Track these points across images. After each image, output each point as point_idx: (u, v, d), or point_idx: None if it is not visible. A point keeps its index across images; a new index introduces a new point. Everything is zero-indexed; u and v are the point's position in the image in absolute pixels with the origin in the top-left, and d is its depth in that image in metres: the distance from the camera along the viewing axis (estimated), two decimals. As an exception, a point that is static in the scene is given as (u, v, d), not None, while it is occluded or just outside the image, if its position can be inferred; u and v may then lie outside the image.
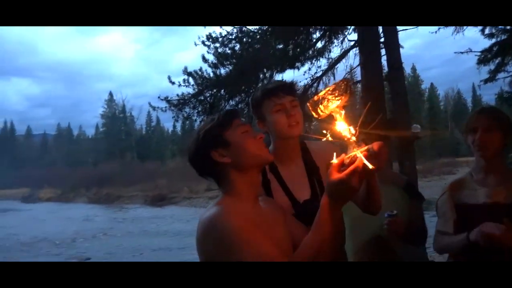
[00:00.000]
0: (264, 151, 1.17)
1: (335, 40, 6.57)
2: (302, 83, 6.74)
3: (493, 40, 7.41)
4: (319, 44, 6.60)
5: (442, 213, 1.69)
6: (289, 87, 1.43)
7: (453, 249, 1.64)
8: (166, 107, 6.74)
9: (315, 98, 1.08)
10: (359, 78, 7.95)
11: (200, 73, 6.69)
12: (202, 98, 6.79)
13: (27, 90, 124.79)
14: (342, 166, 0.99)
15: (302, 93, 6.03)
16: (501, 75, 7.90)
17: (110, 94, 54.83)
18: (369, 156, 0.97)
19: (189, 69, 6.72)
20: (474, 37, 7.50)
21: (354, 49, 6.55)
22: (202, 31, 6.57)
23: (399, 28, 5.78)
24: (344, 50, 6.73)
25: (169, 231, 15.80)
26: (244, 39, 6.42)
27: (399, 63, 5.80)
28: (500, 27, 6.91)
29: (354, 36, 6.42)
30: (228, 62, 6.63)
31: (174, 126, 55.40)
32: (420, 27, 6.22)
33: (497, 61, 7.65)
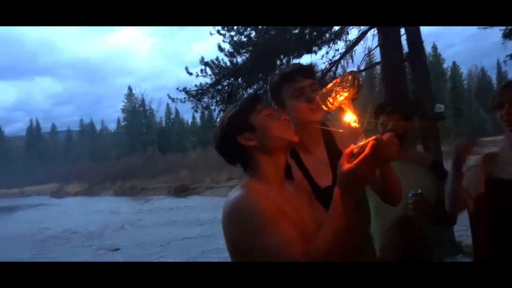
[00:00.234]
0: (289, 132, 1.17)
1: (352, 22, 6.42)
2: (320, 68, 6.65)
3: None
4: (336, 27, 6.48)
5: (467, 185, 1.65)
6: (308, 69, 1.38)
7: (449, 187, 1.66)
8: (185, 98, 6.80)
9: (324, 90, 1.08)
10: (377, 60, 7.83)
11: (216, 62, 6.69)
12: (220, 87, 6.80)
13: (50, 88, 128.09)
14: (351, 156, 0.99)
15: (320, 77, 5.96)
16: (528, 49, 7.57)
17: (129, 88, 55.64)
18: (378, 145, 0.96)
19: (206, 59, 6.74)
20: (498, 10, 7.18)
21: (372, 30, 6.40)
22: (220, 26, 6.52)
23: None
24: (362, 32, 6.59)
25: (193, 220, 16.08)
26: (260, 26, 6.36)
27: (420, 42, 5.64)
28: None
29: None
30: (244, 50, 6.60)
31: (194, 118, 55.87)
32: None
33: (524, 34, 7.34)
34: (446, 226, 1.96)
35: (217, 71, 6.59)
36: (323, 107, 1.09)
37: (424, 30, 5.67)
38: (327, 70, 6.57)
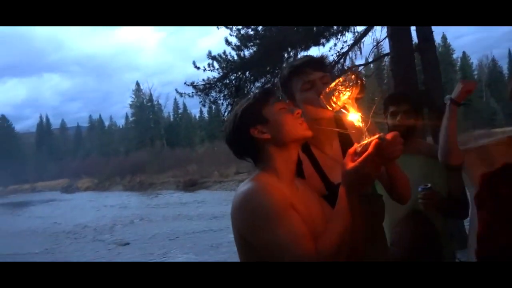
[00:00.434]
0: (302, 126, 1.16)
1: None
2: (328, 59, 6.59)
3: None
4: (344, 18, 6.40)
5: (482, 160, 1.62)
6: (318, 62, 1.33)
7: (445, 130, 1.69)
8: (192, 92, 6.80)
9: (327, 90, 1.08)
10: (386, 51, 7.73)
11: (224, 56, 6.67)
12: (228, 81, 6.78)
13: (58, 85, 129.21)
14: (355, 155, 1.00)
15: (329, 69, 5.90)
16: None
17: (137, 84, 55.85)
18: (381, 143, 0.96)
19: (213, 53, 6.72)
20: (510, -2, 7.02)
21: (381, 20, 6.32)
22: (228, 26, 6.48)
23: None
24: (370, 23, 6.50)
25: (202, 214, 16.18)
26: (261, 26, 6.32)
27: (430, 32, 5.54)
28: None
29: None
30: (252, 43, 6.57)
31: (201, 112, 55.95)
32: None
33: (536, 22, 7.15)
34: (459, 217, 1.93)
35: (224, 65, 6.57)
36: (328, 107, 1.08)
37: (433, 20, 5.56)
38: (336, 62, 6.51)
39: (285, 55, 6.61)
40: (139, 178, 34.92)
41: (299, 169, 1.32)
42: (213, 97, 6.82)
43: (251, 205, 1.05)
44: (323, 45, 6.43)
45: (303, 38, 6.17)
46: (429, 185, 1.76)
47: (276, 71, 6.81)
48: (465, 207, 1.87)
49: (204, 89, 6.67)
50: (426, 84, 5.50)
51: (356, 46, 6.75)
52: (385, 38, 6.11)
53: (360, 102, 1.13)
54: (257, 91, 1.23)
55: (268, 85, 6.84)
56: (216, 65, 6.60)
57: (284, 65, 6.86)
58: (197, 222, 14.71)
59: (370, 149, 0.97)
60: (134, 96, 55.32)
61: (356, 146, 1.02)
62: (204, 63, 6.71)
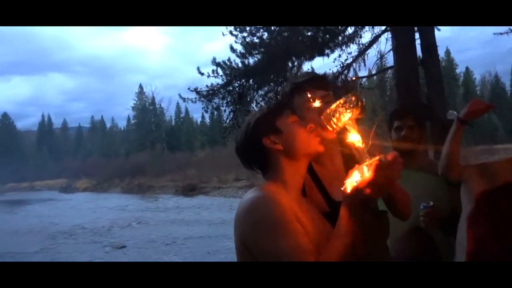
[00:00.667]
0: (315, 140, 1.16)
1: (366, 26, 6.38)
2: (332, 70, 6.61)
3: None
4: (350, 30, 6.43)
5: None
6: (322, 80, 1.32)
7: (448, 145, 1.69)
8: (196, 98, 6.81)
9: (328, 111, 1.09)
10: (390, 64, 7.76)
11: (228, 63, 6.69)
12: (231, 88, 6.80)
13: (62, 85, 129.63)
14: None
15: (332, 80, 5.92)
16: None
17: (140, 86, 56.02)
18: (382, 165, 0.98)
19: (218, 60, 6.74)
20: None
21: (386, 33, 6.35)
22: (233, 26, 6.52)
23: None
24: (375, 35, 6.53)
25: (200, 220, 16.12)
26: (272, 27, 6.34)
27: (434, 46, 5.56)
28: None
29: (385, 20, 6.22)
30: (256, 51, 6.59)
31: (203, 117, 56.03)
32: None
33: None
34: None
35: (228, 72, 6.59)
36: (328, 127, 1.09)
37: (438, 34, 5.62)
38: (339, 73, 6.52)
39: (289, 64, 6.63)
40: (138, 180, 34.87)
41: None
42: (216, 103, 6.83)
43: (256, 213, 1.05)
44: (328, 55, 6.46)
45: (308, 48, 6.19)
46: (431, 202, 1.74)
47: (280, 80, 6.83)
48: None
49: (207, 95, 6.69)
50: (429, 98, 5.50)
51: (360, 58, 6.77)
52: (390, 51, 6.14)
53: (364, 112, 1.14)
54: (272, 102, 1.23)
55: (271, 94, 6.86)
56: (220, 71, 6.63)
57: (287, 75, 6.90)
58: (195, 227, 14.65)
59: (371, 171, 0.98)
60: (136, 99, 55.46)
61: (358, 168, 1.03)
62: (208, 68, 6.74)
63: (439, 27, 6.18)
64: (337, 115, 1.08)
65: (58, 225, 17.46)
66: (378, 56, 7.25)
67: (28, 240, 14.39)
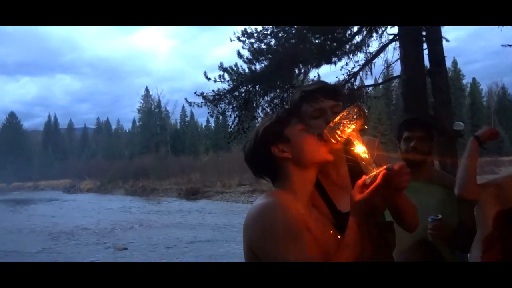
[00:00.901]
0: (324, 149, 1.16)
1: (374, 34, 6.38)
2: (338, 78, 6.61)
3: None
4: (357, 38, 6.44)
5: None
6: (331, 89, 1.29)
7: (465, 164, 1.70)
8: (201, 102, 6.83)
9: (331, 124, 1.09)
10: (396, 73, 7.74)
11: (235, 68, 6.71)
12: (237, 94, 6.81)
13: (69, 86, 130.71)
14: (363, 186, 1.02)
15: (342, 90, 5.90)
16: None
17: (146, 89, 56.40)
18: (389, 174, 0.98)
19: (225, 65, 6.76)
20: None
21: (394, 43, 6.34)
22: (238, 26, 6.57)
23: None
24: (383, 44, 6.53)
25: (202, 224, 16.10)
26: (280, 34, 6.36)
27: (442, 57, 5.55)
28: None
29: (393, 30, 6.22)
30: (264, 58, 6.61)
31: (208, 121, 56.20)
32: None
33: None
34: (465, 253, 1.87)
35: (235, 77, 6.61)
36: (332, 140, 1.10)
37: (445, 45, 5.61)
38: (346, 81, 6.52)
39: (296, 71, 6.64)
40: (142, 183, 34.94)
41: None
42: (221, 108, 6.84)
43: (266, 220, 1.04)
44: (335, 63, 6.46)
45: (315, 56, 6.20)
46: (440, 216, 1.72)
47: (286, 87, 6.83)
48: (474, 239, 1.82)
49: (213, 100, 6.70)
50: (435, 109, 5.47)
51: (367, 67, 6.76)
52: (397, 60, 6.13)
53: (367, 123, 1.15)
54: (280, 110, 1.23)
55: (277, 100, 6.86)
56: (227, 76, 6.65)
57: (294, 82, 6.91)
58: (197, 231, 14.62)
59: (378, 180, 0.98)
60: (142, 101, 55.81)
61: (365, 178, 1.03)
62: (215, 73, 6.76)
63: (448, 37, 6.17)
64: (341, 127, 1.08)
65: (61, 225, 17.50)
66: (385, 65, 7.26)
67: (31, 239, 14.43)
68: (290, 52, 6.16)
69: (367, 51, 6.63)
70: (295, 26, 6.15)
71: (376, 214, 1.06)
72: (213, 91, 6.76)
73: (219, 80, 6.68)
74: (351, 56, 6.50)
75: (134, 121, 61.25)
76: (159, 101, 54.61)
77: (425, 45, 5.56)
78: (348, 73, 6.59)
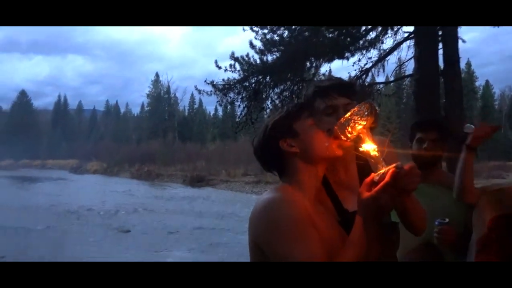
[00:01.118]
0: (333, 145, 1.14)
1: (389, 31, 6.29)
2: (350, 74, 6.55)
3: None
4: (372, 34, 6.35)
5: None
6: (346, 87, 1.27)
7: (460, 171, 1.71)
8: (211, 91, 6.82)
9: (342, 120, 1.08)
10: (408, 72, 7.64)
11: (246, 59, 6.67)
12: (247, 84, 6.78)
13: (81, 67, 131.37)
14: (372, 184, 1.01)
15: (357, 89, 5.83)
16: None
17: (157, 75, 56.42)
18: (399, 173, 0.97)
19: (236, 55, 6.72)
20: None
21: (408, 41, 6.25)
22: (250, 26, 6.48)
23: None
24: (397, 42, 6.44)
25: (205, 212, 16.21)
26: (294, 26, 6.29)
27: (457, 58, 5.46)
28: None
29: (408, 28, 6.12)
30: (276, 49, 6.55)
31: (216, 110, 56.15)
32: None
33: None
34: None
35: (246, 68, 6.57)
36: (342, 137, 1.08)
37: (460, 45, 5.52)
38: (358, 77, 6.45)
39: (308, 64, 6.59)
40: (148, 167, 35.18)
41: None
42: (230, 97, 6.83)
43: (272, 215, 1.04)
44: (347, 59, 6.38)
45: (328, 50, 6.14)
46: (447, 219, 1.70)
47: (297, 79, 6.79)
48: None
49: (223, 89, 6.68)
50: (447, 110, 5.41)
51: (379, 64, 6.68)
52: (411, 58, 6.05)
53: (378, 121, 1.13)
54: (290, 104, 1.21)
55: (287, 92, 6.82)
56: (237, 66, 6.61)
57: (305, 76, 6.85)
58: (200, 218, 14.73)
59: (386, 178, 0.97)
60: (152, 87, 55.89)
61: (373, 175, 1.02)
62: (226, 62, 6.73)
63: (465, 38, 6.06)
64: (351, 123, 1.07)
65: (66, 204, 17.73)
66: (398, 63, 7.17)
67: (36, 217, 14.66)
68: (303, 45, 6.10)
69: (381, 48, 6.55)
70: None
71: (383, 213, 1.04)
72: (223, 80, 6.74)
73: (230, 70, 6.66)
74: (364, 52, 6.42)
75: (142, 106, 61.41)
76: (168, 87, 54.67)
77: (440, 45, 5.48)
78: (360, 69, 6.52)
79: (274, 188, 1.13)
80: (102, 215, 15.54)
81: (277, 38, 6.58)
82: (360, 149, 1.09)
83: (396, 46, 6.47)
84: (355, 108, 1.08)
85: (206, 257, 9.35)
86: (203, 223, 13.74)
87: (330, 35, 6.09)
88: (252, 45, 6.65)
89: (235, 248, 10.03)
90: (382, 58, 6.54)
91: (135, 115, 67.34)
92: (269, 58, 6.63)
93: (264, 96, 6.83)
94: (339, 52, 6.19)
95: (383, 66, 6.74)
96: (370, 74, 6.88)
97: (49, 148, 58.40)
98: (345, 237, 1.08)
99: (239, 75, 6.65)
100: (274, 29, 6.56)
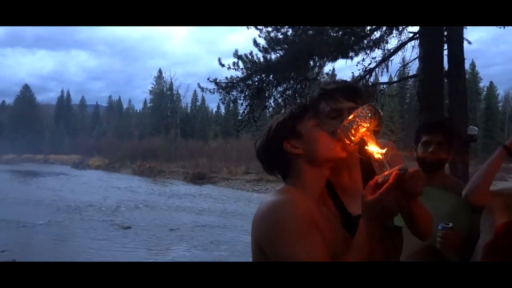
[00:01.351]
0: (337, 146, 1.13)
1: (394, 31, 6.24)
2: (353, 74, 6.52)
3: None
4: (376, 34, 6.30)
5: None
6: (352, 91, 1.25)
7: (485, 169, 1.65)
8: (214, 89, 6.78)
9: (345, 122, 1.07)
10: (412, 72, 7.59)
11: (250, 57, 6.63)
12: (250, 82, 6.75)
13: (85, 62, 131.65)
14: (376, 187, 1.00)
15: (363, 93, 5.79)
16: None
17: (160, 71, 56.48)
18: (403, 175, 0.96)
19: (240, 52, 6.68)
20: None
21: (413, 41, 6.20)
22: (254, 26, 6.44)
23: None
24: (401, 42, 6.39)
25: (206, 209, 16.22)
26: (298, 26, 6.25)
27: (462, 59, 5.41)
28: None
29: (413, 28, 6.07)
30: (279, 48, 6.51)
31: (218, 107, 56.17)
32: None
33: None
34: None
35: (249, 66, 6.53)
36: (346, 140, 1.07)
37: (465, 46, 5.48)
38: (361, 77, 6.41)
39: (311, 63, 6.55)
40: (149, 164, 35.26)
41: None
42: (233, 96, 6.79)
43: (276, 216, 1.02)
44: (351, 58, 6.34)
45: (332, 49, 6.09)
46: (451, 224, 1.67)
47: (300, 78, 6.75)
48: None
49: (226, 87, 6.65)
50: (450, 112, 5.36)
51: (383, 64, 6.64)
52: (415, 59, 6.00)
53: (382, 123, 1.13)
54: (294, 106, 1.19)
55: (290, 91, 6.79)
56: (241, 64, 6.56)
57: (308, 75, 6.81)
58: (201, 216, 14.75)
59: (390, 180, 0.96)
60: (155, 83, 55.95)
61: (377, 177, 1.01)
62: (229, 60, 6.68)
63: (470, 39, 6.01)
64: (355, 125, 1.06)
65: (68, 200, 17.79)
66: (402, 63, 7.12)
67: (37, 211, 14.72)
68: (307, 44, 6.06)
69: (385, 48, 6.50)
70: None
71: (387, 216, 1.03)
72: (226, 78, 6.70)
73: (233, 68, 6.61)
74: (368, 52, 6.37)
75: (145, 102, 61.58)
76: (171, 84, 54.66)
77: (445, 46, 5.43)
78: (364, 69, 6.47)
79: (278, 190, 1.12)
80: (103, 211, 15.58)
81: (281, 36, 6.53)
82: (364, 152, 1.08)
83: (401, 46, 6.41)
84: (358, 110, 1.07)
85: (207, 254, 9.37)
86: (204, 221, 13.76)
87: (335, 34, 6.05)
88: (256, 43, 6.61)
89: (236, 246, 10.04)
90: (386, 58, 6.49)
91: (138, 111, 67.52)
92: (273, 56, 6.58)
93: (267, 95, 6.79)
94: (343, 51, 6.15)
95: (387, 66, 6.69)
96: (373, 74, 6.84)
97: (51, 143, 58.58)
98: (349, 240, 1.07)
99: (242, 73, 6.61)
100: (278, 27, 6.51)
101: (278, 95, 6.82)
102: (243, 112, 7.15)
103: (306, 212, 1.04)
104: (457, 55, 5.38)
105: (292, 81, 6.69)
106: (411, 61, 6.34)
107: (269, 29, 6.49)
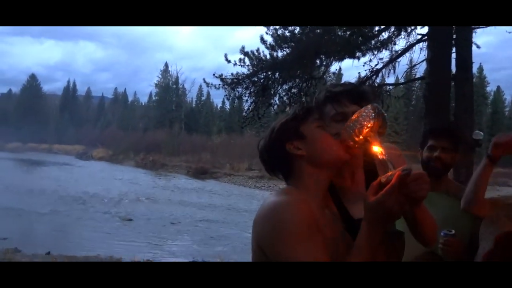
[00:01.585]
0: (340, 148, 1.11)
1: (402, 32, 6.20)
2: (360, 74, 6.49)
3: None
4: (384, 35, 6.26)
5: None
6: (358, 94, 1.22)
7: (475, 181, 1.65)
8: (219, 84, 6.78)
9: (348, 123, 1.06)
10: (419, 74, 7.53)
11: (256, 54, 6.61)
12: (256, 79, 6.74)
13: (92, 54, 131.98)
14: (379, 188, 0.98)
15: (371, 96, 5.76)
16: None
17: (166, 65, 56.50)
18: (406, 176, 0.94)
19: (246, 49, 6.67)
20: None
21: (421, 43, 6.16)
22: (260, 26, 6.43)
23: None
24: (409, 44, 6.35)
25: (207, 204, 16.27)
26: (306, 25, 6.22)
27: (470, 63, 5.37)
28: None
29: (422, 30, 6.03)
30: (286, 45, 6.49)
31: (223, 103, 56.14)
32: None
33: None
34: None
35: (255, 63, 6.52)
36: (350, 142, 1.06)
37: (474, 50, 5.44)
38: (368, 78, 6.38)
39: (318, 62, 6.52)
40: (152, 157, 35.37)
41: None
42: (238, 92, 6.79)
43: (277, 218, 1.02)
44: (358, 58, 6.31)
45: (339, 48, 6.06)
46: (453, 231, 1.66)
47: (306, 77, 6.73)
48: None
49: (231, 83, 6.65)
50: (456, 116, 5.33)
51: (390, 65, 6.60)
52: (423, 61, 5.96)
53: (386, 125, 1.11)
54: (298, 107, 1.19)
55: (295, 89, 6.78)
56: (247, 61, 6.56)
57: (314, 74, 6.78)
58: (202, 211, 14.79)
59: (393, 181, 0.94)
60: (161, 76, 56.00)
61: (380, 178, 0.99)
62: (235, 56, 6.67)
63: (478, 43, 5.96)
64: (358, 126, 1.04)
65: (71, 190, 17.89)
66: (409, 65, 7.08)
67: (40, 200, 14.81)
68: (314, 42, 6.03)
69: (393, 49, 6.46)
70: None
71: (390, 219, 1.01)
72: (232, 74, 6.70)
73: (239, 64, 6.61)
74: (375, 52, 6.33)
75: (150, 95, 61.65)
76: (177, 78, 54.67)
77: (453, 49, 5.39)
78: (371, 69, 6.44)
79: (280, 191, 1.11)
80: (105, 202, 15.66)
81: (288, 34, 6.51)
82: (368, 153, 1.06)
83: (409, 48, 6.37)
84: (361, 110, 1.06)
85: (207, 249, 9.39)
86: (206, 216, 13.80)
87: (342, 34, 6.01)
88: (262, 40, 6.59)
89: (236, 242, 10.06)
90: (394, 59, 6.45)
91: (143, 104, 67.58)
92: (279, 54, 6.57)
93: (272, 92, 6.78)
94: (350, 51, 6.11)
95: (394, 67, 6.65)
96: (380, 74, 6.80)
97: (56, 132, 58.89)
98: (350, 243, 1.06)
99: (248, 70, 6.60)
100: (286, 24, 6.49)
101: (284, 93, 6.81)
102: (248, 108, 7.15)
103: (308, 214, 1.03)
104: (465, 59, 5.33)
105: (298, 80, 6.68)
106: (418, 63, 6.32)
107: (276, 26, 6.46)
